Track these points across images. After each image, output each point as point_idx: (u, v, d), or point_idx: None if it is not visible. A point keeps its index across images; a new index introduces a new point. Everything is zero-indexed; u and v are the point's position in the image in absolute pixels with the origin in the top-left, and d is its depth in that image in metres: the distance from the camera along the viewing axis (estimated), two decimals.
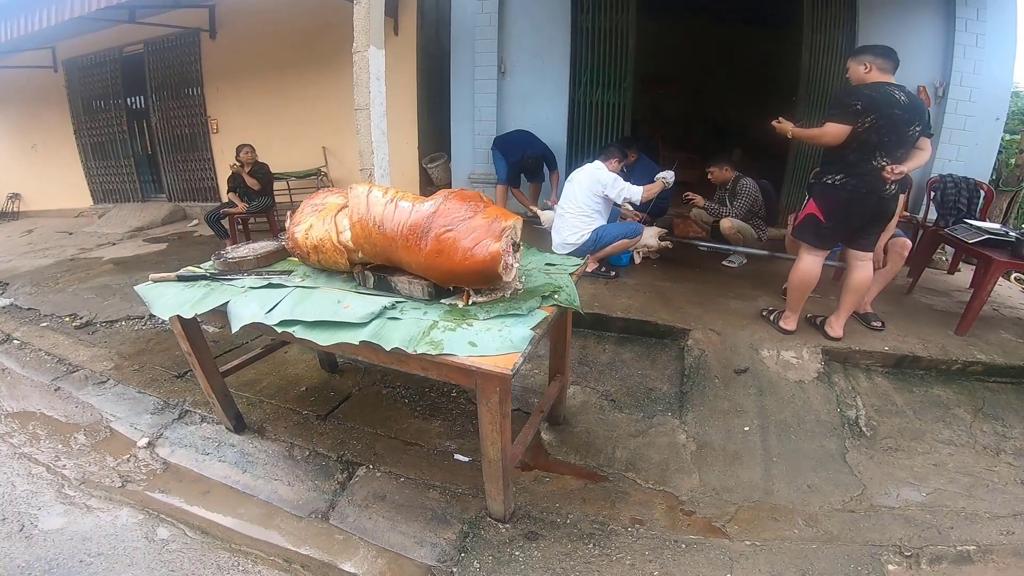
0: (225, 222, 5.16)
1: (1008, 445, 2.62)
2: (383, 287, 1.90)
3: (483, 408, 1.66)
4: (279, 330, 1.71)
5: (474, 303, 1.81)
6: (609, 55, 4.96)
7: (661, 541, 1.98)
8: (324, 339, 1.65)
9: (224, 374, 2.51)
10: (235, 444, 2.55)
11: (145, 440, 2.58)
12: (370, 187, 1.86)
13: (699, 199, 4.16)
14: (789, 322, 3.21)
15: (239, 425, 2.60)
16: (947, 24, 4.30)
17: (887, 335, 3.26)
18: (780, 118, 3.13)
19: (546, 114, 5.17)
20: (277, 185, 5.80)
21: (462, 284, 1.81)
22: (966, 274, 4.54)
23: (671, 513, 2.14)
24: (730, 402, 2.82)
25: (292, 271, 2.20)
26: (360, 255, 1.89)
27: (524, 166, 4.78)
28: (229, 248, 2.48)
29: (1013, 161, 5.15)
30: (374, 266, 1.93)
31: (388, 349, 1.57)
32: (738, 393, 2.86)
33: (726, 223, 4.16)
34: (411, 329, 1.64)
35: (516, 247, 1.81)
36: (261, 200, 5.19)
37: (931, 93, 4.50)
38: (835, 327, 3.15)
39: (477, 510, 2.12)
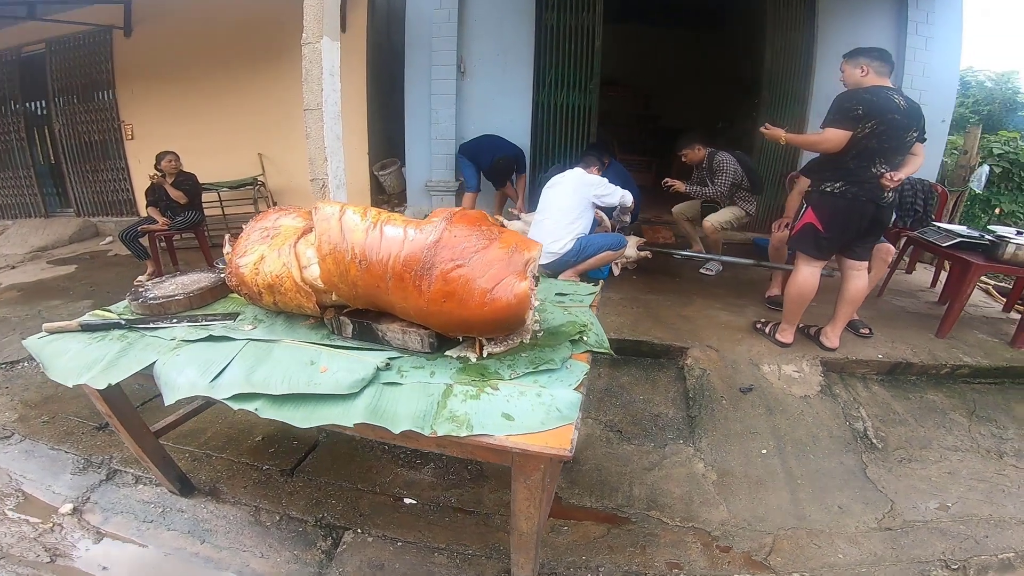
0: (144, 240, 4.41)
1: (1007, 447, 2.56)
2: (367, 337, 1.47)
3: (520, 485, 1.27)
4: (234, 406, 1.24)
5: (489, 355, 1.42)
6: (575, 55, 4.66)
7: None
8: (301, 419, 1.19)
9: (158, 433, 1.97)
10: (184, 509, 2.03)
11: (69, 506, 2.02)
12: (342, 207, 1.41)
13: (679, 184, 3.94)
14: (786, 335, 3.04)
15: (185, 488, 2.07)
16: (899, 27, 4.34)
17: (876, 342, 3.16)
18: (767, 124, 2.98)
19: (509, 117, 4.81)
20: (207, 197, 5.08)
21: (475, 333, 1.40)
22: (923, 274, 4.63)
23: (707, 552, 1.93)
24: (742, 424, 2.60)
25: (239, 314, 1.71)
26: (333, 297, 1.44)
27: (497, 167, 4.37)
28: (148, 283, 1.94)
29: (950, 161, 5.36)
30: (352, 310, 1.49)
31: (397, 432, 1.15)
32: (748, 414, 2.65)
33: (708, 225, 3.98)
34: (420, 399, 1.22)
35: (536, 280, 1.44)
36: (188, 215, 4.48)
37: None
38: (831, 337, 3.01)
39: (496, 573, 1.77)
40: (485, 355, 1.42)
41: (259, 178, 5.60)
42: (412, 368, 1.35)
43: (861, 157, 2.55)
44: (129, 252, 4.52)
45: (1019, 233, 3.24)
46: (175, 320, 1.67)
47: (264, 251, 1.56)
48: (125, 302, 1.81)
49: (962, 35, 4.29)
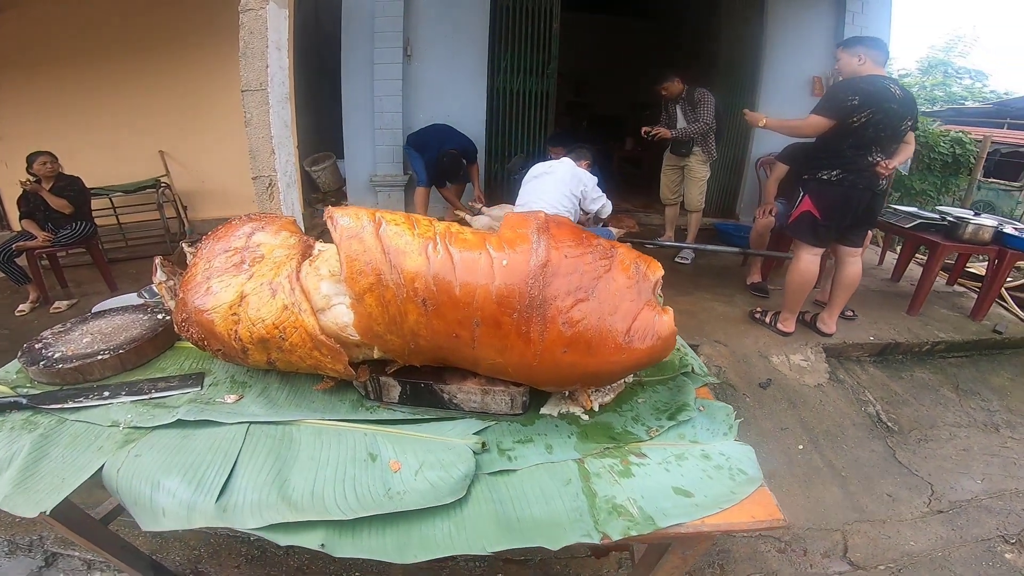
0: (22, 259, 3.43)
1: (998, 419, 2.62)
2: (421, 401, 1.00)
3: (675, 558, 0.91)
4: (282, 542, 0.73)
5: (600, 406, 1.03)
6: (531, 39, 4.24)
7: None
8: (397, 552, 0.72)
9: (107, 519, 1.37)
10: None
11: None
12: (375, 217, 0.93)
13: (664, 130, 3.68)
14: (788, 324, 2.91)
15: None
16: (838, 17, 4.41)
17: (861, 324, 3.15)
18: (746, 110, 2.91)
19: (461, 104, 4.30)
20: (98, 204, 4.09)
21: (597, 386, 1.00)
22: (869, 254, 4.82)
23: (786, 558, 1.78)
24: (771, 421, 2.44)
25: (203, 375, 1.16)
26: (375, 353, 0.96)
27: (441, 165, 3.88)
28: (50, 334, 1.30)
29: None
30: (399, 369, 1.01)
31: (556, 548, 0.72)
32: (773, 410, 2.50)
33: (694, 202, 3.91)
34: (553, 490, 0.81)
35: None
36: (75, 227, 3.53)
37: (824, 84, 4.62)
38: (828, 323, 2.93)
39: None
40: (596, 408, 1.02)
41: (162, 179, 4.61)
42: (515, 443, 0.91)
43: (858, 146, 2.45)
44: (2, 275, 3.49)
45: (976, 214, 3.37)
46: (107, 393, 1.09)
47: (245, 286, 1.02)
48: (15, 364, 1.20)
49: (890, 27, 4.45)
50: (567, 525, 0.75)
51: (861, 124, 2.39)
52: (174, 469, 0.84)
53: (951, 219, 3.24)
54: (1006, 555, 1.77)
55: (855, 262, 2.80)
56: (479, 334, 0.85)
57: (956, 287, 3.87)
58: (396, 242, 0.88)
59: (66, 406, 1.05)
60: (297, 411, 0.98)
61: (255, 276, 1.04)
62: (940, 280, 4.15)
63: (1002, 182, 6.11)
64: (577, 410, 1.02)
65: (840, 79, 2.59)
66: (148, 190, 4.48)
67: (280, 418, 0.95)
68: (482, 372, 0.95)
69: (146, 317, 1.44)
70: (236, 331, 1.00)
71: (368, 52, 4.05)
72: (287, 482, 0.80)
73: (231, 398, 1.07)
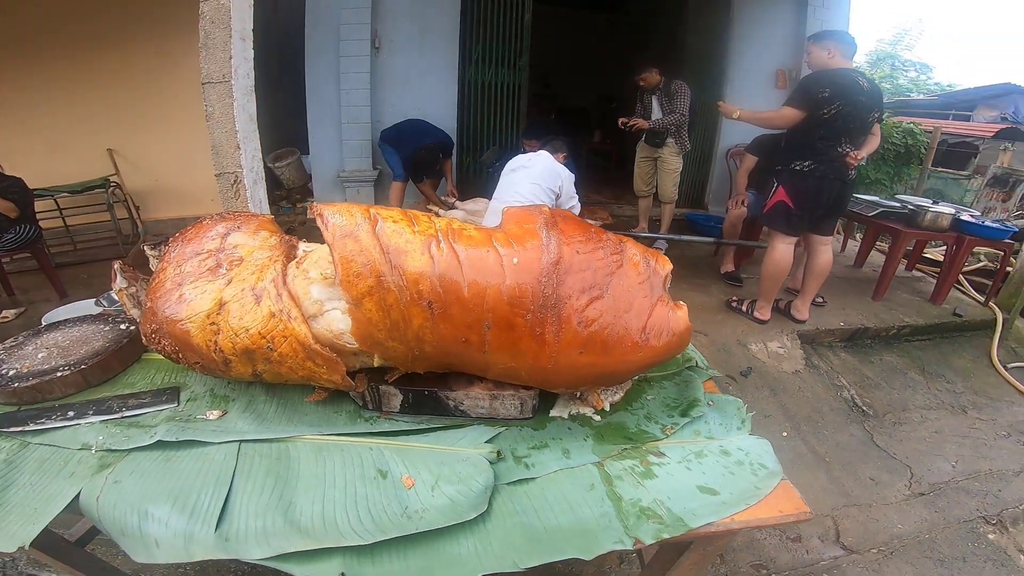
0: None
1: (964, 401, 2.75)
2: (424, 409, 0.94)
3: (696, 555, 0.89)
4: (296, 572, 0.67)
5: (611, 405, 0.99)
6: (503, 30, 4.15)
7: (798, 574, 1.68)
8: (423, 574, 0.66)
9: (82, 540, 1.25)
10: None
11: None
12: (370, 213, 0.86)
13: (642, 121, 3.70)
14: (764, 312, 2.97)
15: None
16: (800, 11, 4.52)
17: (831, 310, 3.24)
18: (721, 102, 2.98)
19: (432, 97, 4.18)
20: (41, 206, 3.80)
21: (608, 385, 0.96)
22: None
23: (782, 545, 1.79)
24: (754, 409, 2.44)
25: (178, 389, 1.07)
26: (375, 361, 0.89)
27: (419, 159, 3.80)
28: (9, 344, 1.20)
29: None
30: (400, 376, 0.94)
31: (591, 558, 0.69)
32: (756, 397, 2.54)
33: (668, 194, 3.96)
34: (577, 496, 0.78)
35: None
36: (19, 230, 3.26)
37: (788, 77, 4.74)
38: (802, 310, 3.01)
39: None
40: (607, 407, 0.99)
41: (112, 179, 4.31)
42: (530, 450, 0.86)
43: (828, 137, 2.51)
44: None
45: (934, 203, 3.52)
46: (71, 413, 0.99)
47: (223, 292, 0.93)
48: None
49: (849, 20, 4.59)
50: (598, 532, 0.72)
51: (831, 116, 2.45)
52: (162, 496, 0.76)
53: (911, 207, 3.37)
54: (989, 535, 1.85)
55: (826, 250, 2.87)
56: (490, 337, 0.80)
57: (915, 272, 4.04)
58: (395, 240, 0.81)
59: (27, 428, 0.95)
60: (291, 426, 0.90)
61: (234, 281, 0.95)
62: (899, 266, 4.34)
63: (950, 171, 6.43)
64: (587, 411, 0.98)
65: (810, 72, 2.65)
66: (97, 190, 4.17)
67: (274, 435, 0.88)
68: (491, 377, 0.89)
69: (107, 328, 1.33)
70: (216, 342, 0.92)
71: (334, 44, 3.89)
72: (292, 505, 0.73)
73: (214, 414, 0.98)
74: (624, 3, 6.99)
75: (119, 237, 4.18)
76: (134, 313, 1.51)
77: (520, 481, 0.80)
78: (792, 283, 3.39)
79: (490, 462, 0.81)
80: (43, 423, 0.96)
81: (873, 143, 2.73)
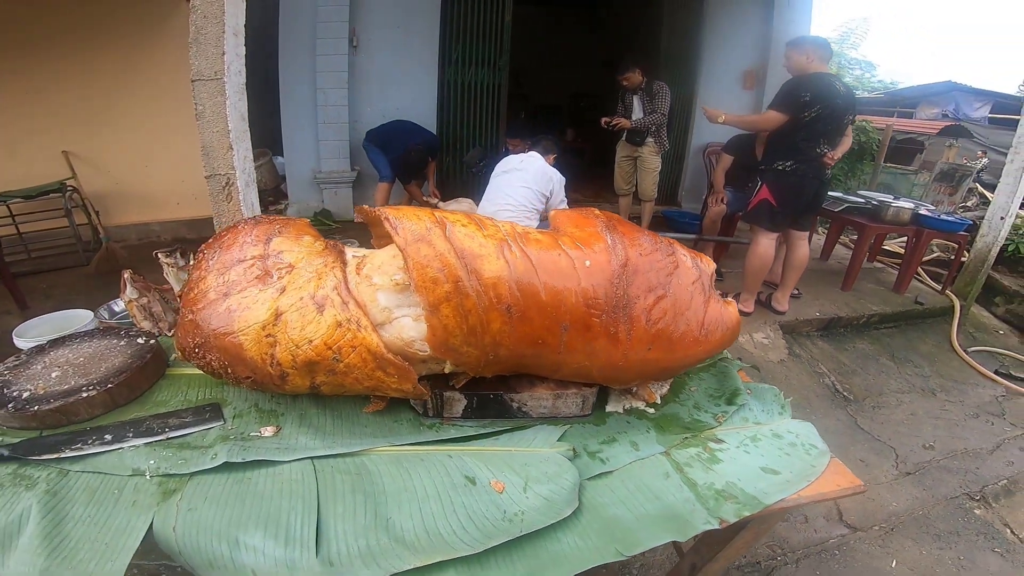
0: None
1: (933, 384, 2.96)
2: (486, 412, 0.96)
3: (750, 534, 0.96)
4: None
5: (661, 398, 1.04)
6: (483, 30, 4.15)
7: (811, 552, 1.79)
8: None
9: None
10: None
11: None
12: (438, 218, 0.87)
13: (624, 120, 3.80)
14: (748, 304, 3.11)
15: None
16: (767, 14, 4.73)
17: (806, 301, 3.43)
18: (705, 107, 3.09)
19: (411, 96, 4.15)
20: None
21: (662, 379, 1.01)
22: None
23: (791, 527, 1.89)
24: None
25: (216, 405, 1.03)
26: (448, 366, 0.90)
27: (408, 160, 3.76)
28: (4, 369, 1.10)
29: None
30: (467, 381, 0.96)
31: (685, 539, 0.75)
32: None
33: (648, 193, 4.05)
34: (655, 485, 0.83)
35: None
36: None
37: (755, 78, 4.96)
38: (782, 302, 3.18)
39: None
40: (659, 400, 1.04)
41: (68, 182, 4.06)
42: (601, 444, 0.90)
43: (808, 138, 2.67)
44: None
45: (896, 198, 3.77)
46: (108, 436, 0.92)
47: (278, 301, 0.92)
48: None
49: (810, 22, 4.84)
50: (686, 516, 0.76)
51: (812, 119, 2.60)
52: (249, 522, 0.73)
53: (875, 203, 3.60)
54: (975, 511, 2.01)
55: (804, 244, 3.05)
56: (567, 338, 0.83)
57: (876, 263, 4.32)
58: (468, 244, 0.83)
59: (64, 455, 0.88)
60: (357, 439, 0.90)
61: (289, 289, 0.93)
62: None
63: (898, 166, 6.86)
64: (640, 404, 1.03)
65: (789, 76, 2.79)
66: (53, 195, 3.93)
67: (344, 449, 0.86)
68: (562, 376, 0.92)
69: (122, 342, 1.25)
70: (273, 355, 0.89)
71: (310, 42, 3.80)
72: (391, 522, 0.72)
73: (269, 430, 0.95)
74: (597, 3, 7.10)
75: (79, 244, 3.94)
76: (145, 325, 1.45)
77: (600, 475, 0.83)
78: (770, 276, 3.56)
79: (568, 459, 0.84)
80: (80, 448, 0.90)
81: (846, 143, 2.91)
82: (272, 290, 0.94)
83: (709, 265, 1.00)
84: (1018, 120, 3.38)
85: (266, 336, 0.90)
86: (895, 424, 2.55)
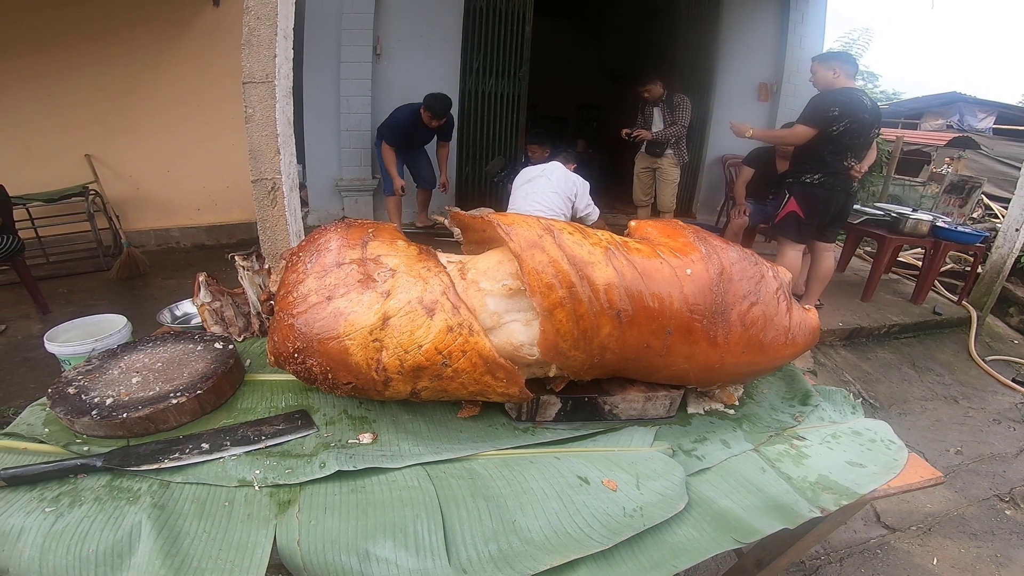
0: None
1: (954, 392, 3.04)
2: (579, 415, 1.02)
3: (826, 525, 1.00)
4: None
5: (740, 400, 1.11)
6: (504, 41, 4.25)
7: (853, 551, 1.86)
8: (656, 567, 0.73)
9: None
10: None
11: None
12: (547, 226, 0.93)
13: (645, 132, 3.90)
14: None
15: None
16: (782, 27, 4.86)
17: (828, 311, 3.51)
18: (733, 121, 3.12)
19: None
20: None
21: (746, 381, 1.08)
22: None
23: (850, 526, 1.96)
24: None
25: (308, 413, 1.03)
26: (553, 370, 0.96)
27: (417, 124, 3.62)
28: (77, 375, 1.07)
29: None
30: (566, 385, 1.01)
31: (794, 526, 0.81)
32: None
33: (667, 205, 4.15)
34: (754, 478, 0.89)
35: None
36: (0, 241, 3.10)
37: (770, 90, 5.07)
38: None
39: None
40: (737, 402, 1.10)
41: (90, 186, 4.11)
42: (694, 443, 0.96)
43: (836, 152, 2.76)
44: None
45: (914, 210, 3.87)
46: (205, 445, 0.91)
47: (385, 305, 0.97)
48: (39, 414, 0.99)
49: (824, 35, 4.98)
50: (790, 505, 0.82)
51: (840, 132, 2.69)
52: (377, 532, 0.73)
53: (893, 215, 3.70)
54: (1006, 512, 2.10)
55: (829, 256, 3.12)
56: (671, 342, 0.89)
57: (892, 275, 4.41)
58: (578, 251, 0.89)
59: (164, 466, 0.86)
60: (459, 444, 0.93)
61: (394, 294, 0.97)
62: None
63: (906, 177, 7.00)
64: (718, 406, 1.09)
65: (817, 92, 2.89)
66: (75, 199, 3.98)
67: (453, 454, 0.90)
68: (659, 379, 0.98)
69: (199, 347, 1.21)
70: (379, 360, 0.91)
71: (334, 49, 3.88)
72: (516, 524, 0.76)
73: (366, 437, 0.95)
74: (604, 14, 7.25)
75: (100, 248, 3.99)
76: (216, 330, 1.50)
77: (699, 472, 0.89)
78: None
79: (669, 457, 0.90)
80: (179, 458, 0.88)
81: (871, 157, 3.00)
82: (376, 294, 0.97)
83: (785, 275, 1.06)
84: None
85: (373, 341, 0.93)
86: (921, 430, 2.62)
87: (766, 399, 1.14)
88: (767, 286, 0.97)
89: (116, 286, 3.76)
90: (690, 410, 1.07)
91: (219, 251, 4.50)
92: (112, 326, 1.64)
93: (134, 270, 3.88)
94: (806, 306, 1.04)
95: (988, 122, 9.38)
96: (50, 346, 1.55)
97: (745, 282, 0.93)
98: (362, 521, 0.76)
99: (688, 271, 0.90)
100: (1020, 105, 10.52)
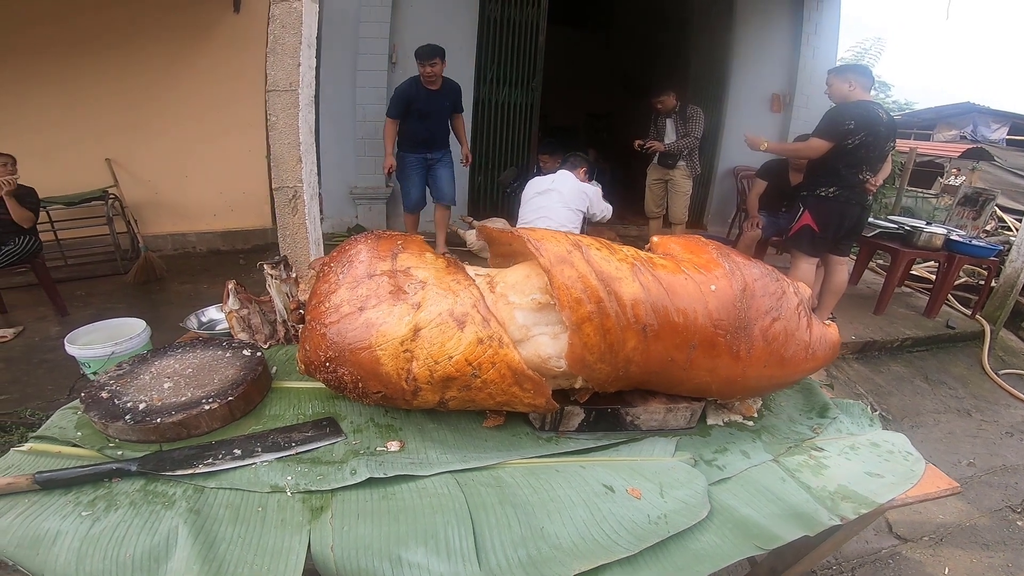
0: None
1: (967, 405, 3.03)
2: (601, 426, 1.05)
3: (842, 534, 1.03)
4: None
5: (759, 412, 1.13)
6: (518, 51, 4.33)
7: (865, 561, 1.87)
8: (678, 572, 0.76)
9: None
10: None
11: None
12: (575, 242, 0.96)
13: (657, 144, 3.94)
14: None
15: None
16: (795, 38, 4.90)
17: (840, 324, 3.51)
18: (747, 134, 3.15)
19: None
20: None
21: (766, 393, 1.10)
22: None
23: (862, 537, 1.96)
24: None
25: (336, 421, 1.06)
26: (579, 383, 0.99)
27: (419, 87, 3.48)
28: (108, 379, 1.09)
29: None
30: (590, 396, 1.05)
31: (815, 533, 0.85)
32: None
33: (679, 217, 4.18)
34: (774, 487, 0.92)
35: None
36: (19, 241, 3.16)
37: (782, 101, 5.10)
38: None
39: None
40: (756, 414, 1.12)
41: (109, 190, 4.20)
42: (714, 454, 0.99)
43: (851, 165, 2.77)
44: None
45: (928, 223, 3.87)
46: (237, 451, 0.93)
47: (417, 316, 0.99)
48: (71, 418, 1.01)
49: (838, 47, 5.01)
50: (811, 514, 0.85)
51: (855, 146, 2.70)
52: (408, 538, 0.76)
53: (907, 228, 3.70)
54: (1018, 523, 2.09)
55: (843, 270, 3.13)
56: (695, 356, 0.92)
57: (904, 288, 4.40)
58: (606, 267, 0.92)
59: (198, 471, 0.88)
60: (483, 453, 0.96)
61: (425, 305, 1.00)
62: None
63: (919, 189, 6.98)
64: (737, 417, 1.11)
65: (829, 102, 2.91)
66: (94, 202, 4.07)
67: (480, 463, 0.93)
68: (681, 392, 1.01)
69: (228, 354, 1.23)
70: (410, 370, 0.94)
71: (351, 58, 3.96)
72: (544, 530, 0.79)
73: (393, 445, 0.98)
74: (619, 22, 7.31)
75: (118, 252, 4.07)
76: (242, 336, 1.54)
77: (719, 481, 0.91)
78: None
79: (691, 467, 0.92)
80: (212, 464, 0.90)
81: (886, 170, 3.02)
82: (407, 305, 1.00)
83: (805, 291, 1.09)
84: None
85: (404, 351, 0.95)
86: (934, 442, 2.62)
87: (784, 411, 1.16)
88: (788, 302, 1.00)
89: (133, 290, 3.83)
90: (710, 421, 1.10)
91: (234, 256, 4.57)
92: (131, 330, 1.67)
93: (151, 274, 3.95)
94: (826, 321, 1.07)
95: (1002, 133, 9.34)
96: (70, 348, 1.58)
97: (767, 298, 0.96)
98: (394, 527, 0.78)
99: (712, 287, 0.93)
100: None
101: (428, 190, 3.80)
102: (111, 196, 4.16)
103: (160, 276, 3.99)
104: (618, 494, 0.86)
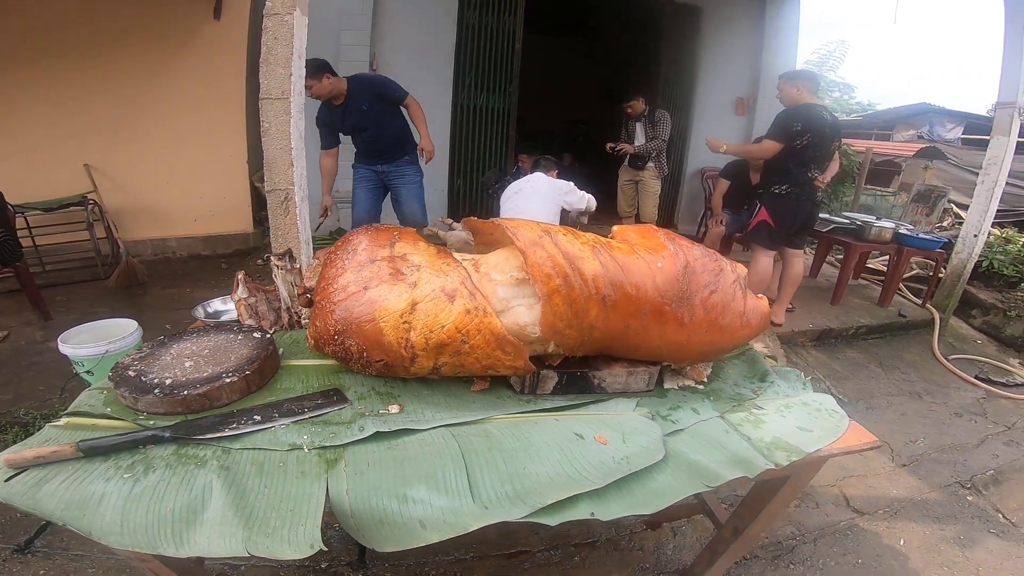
0: None
1: (918, 388, 3.31)
2: (572, 389, 1.23)
3: (789, 489, 1.28)
4: (554, 522, 0.88)
5: (707, 378, 1.33)
6: (495, 57, 4.53)
7: (825, 533, 2.04)
8: (644, 504, 0.94)
9: None
10: None
11: None
12: (546, 229, 1.16)
13: (627, 146, 4.18)
14: None
15: None
16: (757, 43, 5.22)
17: (799, 314, 3.78)
18: (708, 138, 3.42)
19: (427, 119, 4.48)
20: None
21: (710, 359, 1.30)
22: None
23: (806, 510, 2.17)
24: None
25: (341, 391, 1.21)
26: (551, 347, 1.18)
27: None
28: (133, 360, 1.22)
29: None
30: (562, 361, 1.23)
31: (753, 476, 1.02)
32: None
33: (650, 215, 4.35)
34: (720, 438, 1.11)
35: None
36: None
37: (746, 104, 5.42)
38: (778, 315, 3.51)
39: None
40: (706, 380, 1.32)
41: (89, 195, 4.25)
42: (669, 410, 1.18)
43: (801, 164, 3.05)
44: None
45: (878, 219, 4.19)
46: (257, 417, 1.08)
47: (414, 293, 1.17)
48: (99, 396, 1.13)
49: (796, 51, 5.35)
50: (751, 459, 1.03)
51: (803, 146, 2.99)
52: (412, 479, 0.90)
53: (859, 223, 4.01)
54: (968, 497, 2.31)
55: (799, 262, 3.41)
56: (646, 323, 1.11)
57: (861, 280, 4.72)
58: (571, 248, 1.11)
59: (225, 434, 1.02)
60: (475, 411, 1.13)
61: (421, 284, 1.17)
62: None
63: (877, 188, 7.40)
64: (690, 383, 1.31)
65: (780, 104, 3.18)
66: (73, 208, 4.11)
67: (470, 418, 1.10)
68: (637, 356, 1.20)
69: (240, 337, 1.37)
70: (408, 339, 1.12)
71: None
72: (526, 469, 0.96)
73: (394, 408, 1.14)
74: (597, 30, 7.58)
75: (98, 258, 4.11)
76: (249, 322, 1.70)
77: (673, 432, 1.10)
78: (767, 292, 3.92)
79: (649, 420, 1.12)
80: (236, 428, 1.03)
81: (834, 168, 3.31)
82: (405, 284, 1.17)
83: (740, 269, 1.29)
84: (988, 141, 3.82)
85: (403, 323, 1.13)
86: (887, 423, 2.87)
87: (731, 377, 1.36)
88: (725, 278, 1.20)
89: (115, 294, 3.88)
90: (666, 385, 1.29)
91: (215, 261, 4.64)
92: (123, 330, 1.81)
93: (133, 279, 4.01)
94: (758, 295, 1.27)
95: (957, 132, 9.85)
96: (64, 348, 1.70)
97: (706, 274, 1.16)
98: (399, 471, 0.93)
99: (659, 264, 1.12)
100: (988, 115, 11.08)
101: (393, 207, 3.66)
102: (90, 201, 4.20)
103: (142, 281, 4.05)
104: (587, 440, 1.04)
